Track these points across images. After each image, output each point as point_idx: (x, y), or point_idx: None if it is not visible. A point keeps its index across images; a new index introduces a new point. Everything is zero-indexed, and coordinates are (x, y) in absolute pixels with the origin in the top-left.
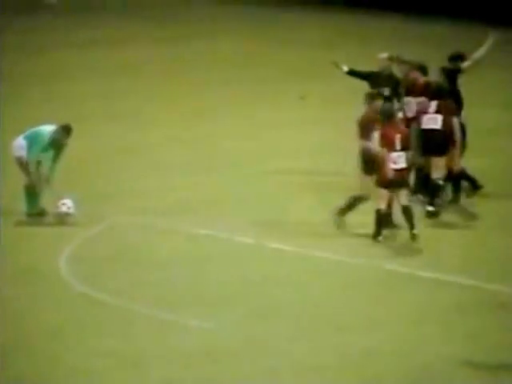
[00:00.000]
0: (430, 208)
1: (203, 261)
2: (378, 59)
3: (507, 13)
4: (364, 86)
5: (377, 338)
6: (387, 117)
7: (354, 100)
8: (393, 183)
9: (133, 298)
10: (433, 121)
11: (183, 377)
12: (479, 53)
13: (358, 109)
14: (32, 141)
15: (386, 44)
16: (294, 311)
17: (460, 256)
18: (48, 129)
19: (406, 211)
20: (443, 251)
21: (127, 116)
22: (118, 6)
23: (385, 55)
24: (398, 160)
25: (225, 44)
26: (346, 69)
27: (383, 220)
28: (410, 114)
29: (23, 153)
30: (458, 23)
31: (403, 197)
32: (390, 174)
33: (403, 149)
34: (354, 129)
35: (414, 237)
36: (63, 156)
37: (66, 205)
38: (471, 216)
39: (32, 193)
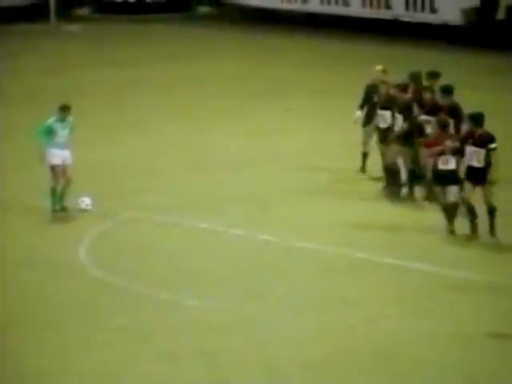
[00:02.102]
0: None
1: (202, 250)
2: (372, 71)
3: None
4: (338, 101)
5: (350, 316)
6: (442, 126)
7: (331, 112)
8: (443, 181)
9: (141, 281)
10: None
11: (184, 349)
12: None
13: (335, 119)
14: (47, 136)
15: (362, 64)
16: (279, 293)
17: (420, 245)
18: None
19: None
20: (406, 241)
21: (133, 125)
22: (126, 33)
23: (379, 67)
24: (447, 162)
25: (219, 64)
26: (359, 113)
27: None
28: (383, 125)
29: (50, 159)
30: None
31: (451, 194)
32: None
33: (453, 153)
34: (333, 135)
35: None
36: (82, 158)
37: (85, 202)
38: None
39: (56, 193)
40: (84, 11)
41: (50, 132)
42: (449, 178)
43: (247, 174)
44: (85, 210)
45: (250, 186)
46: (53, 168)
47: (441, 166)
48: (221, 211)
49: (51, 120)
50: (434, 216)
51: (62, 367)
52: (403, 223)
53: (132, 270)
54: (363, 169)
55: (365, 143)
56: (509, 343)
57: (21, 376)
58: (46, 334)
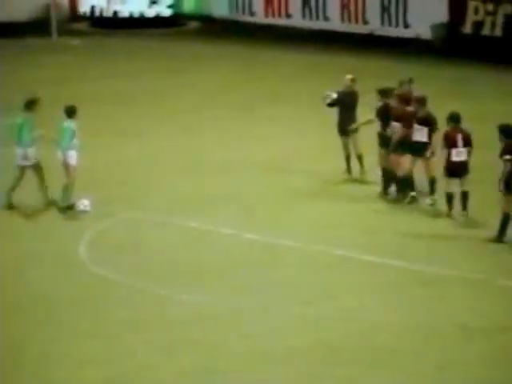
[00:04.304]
0: (413, 193)
1: (194, 248)
2: (344, 79)
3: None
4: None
5: (330, 308)
6: (454, 121)
7: (313, 119)
8: (456, 172)
9: (137, 277)
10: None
11: (178, 340)
12: None
13: (317, 126)
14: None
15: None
16: (265, 287)
17: (396, 243)
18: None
19: (464, 196)
20: (383, 239)
21: (129, 133)
22: (122, 47)
23: (349, 76)
24: (459, 154)
25: (210, 76)
26: (333, 97)
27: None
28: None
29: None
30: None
31: (464, 183)
32: (453, 165)
33: (464, 146)
34: (316, 141)
35: (464, 214)
36: (83, 163)
37: (84, 203)
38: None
39: (67, 190)
40: (83, 26)
41: (16, 130)
42: (461, 169)
43: (235, 177)
44: (84, 211)
45: (239, 188)
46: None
47: (454, 158)
48: (211, 212)
49: (18, 118)
50: (410, 217)
51: (63, 356)
52: (381, 223)
53: (129, 267)
54: (348, 170)
55: (345, 147)
56: (478, 334)
57: (21, 364)
58: (47, 327)
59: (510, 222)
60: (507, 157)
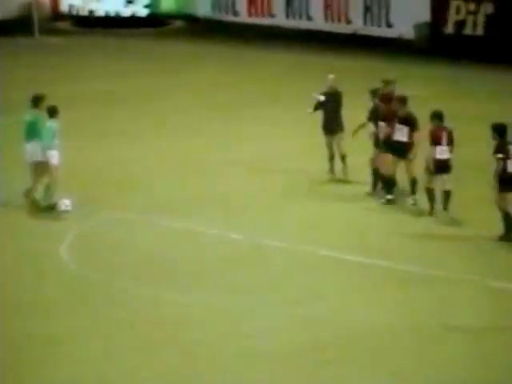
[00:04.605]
0: (389, 196)
1: (178, 248)
2: (327, 79)
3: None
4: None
5: (318, 308)
6: (438, 118)
7: (300, 119)
8: (438, 170)
9: (121, 277)
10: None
11: (162, 341)
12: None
13: (304, 126)
14: (41, 138)
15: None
16: (252, 287)
17: (381, 243)
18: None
19: (447, 194)
20: (368, 239)
21: (116, 133)
22: (108, 48)
23: (332, 76)
24: (443, 152)
25: (196, 77)
26: (320, 99)
27: (434, 198)
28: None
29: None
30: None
31: (446, 181)
32: (437, 163)
33: (448, 144)
34: (302, 141)
35: (445, 213)
36: (67, 163)
37: (65, 203)
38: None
39: (49, 189)
40: (65, 25)
41: (27, 127)
42: (444, 167)
43: (223, 177)
44: (65, 211)
45: (226, 188)
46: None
47: (438, 156)
48: (198, 212)
49: (27, 115)
50: (394, 217)
51: (46, 357)
52: (367, 223)
53: (113, 267)
54: (331, 170)
55: (330, 147)
56: (466, 335)
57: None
58: (31, 326)
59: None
60: (499, 155)
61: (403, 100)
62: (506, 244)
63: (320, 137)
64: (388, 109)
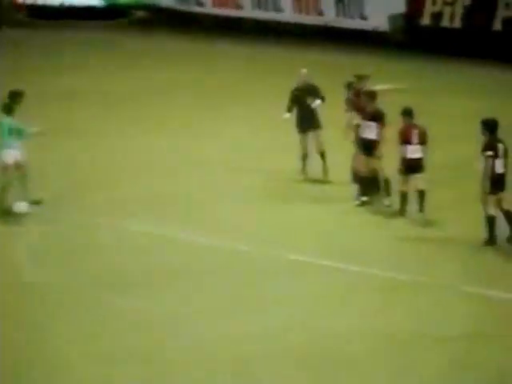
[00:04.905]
0: (364, 198)
1: (138, 252)
2: (299, 74)
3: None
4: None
5: (283, 315)
6: (408, 115)
7: (271, 116)
8: (410, 170)
9: (81, 282)
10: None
11: (119, 349)
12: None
13: (275, 123)
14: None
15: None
16: (212, 294)
17: (352, 247)
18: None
19: (421, 195)
20: (338, 243)
21: (78, 132)
22: (60, 39)
23: (305, 70)
24: (414, 151)
25: (161, 72)
26: (287, 115)
27: (406, 201)
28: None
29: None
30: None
31: (419, 181)
32: (408, 163)
33: (420, 142)
34: (275, 138)
35: (420, 215)
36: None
37: (21, 205)
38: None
39: (4, 191)
40: (20, 16)
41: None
42: (416, 167)
43: (187, 177)
44: (22, 214)
45: (190, 188)
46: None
47: (409, 156)
48: (161, 213)
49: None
50: (368, 220)
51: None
52: (336, 226)
53: (73, 270)
54: (303, 170)
55: (303, 145)
56: (432, 341)
57: None
58: None
59: (494, 224)
60: (489, 153)
61: (372, 95)
62: (482, 248)
63: (293, 134)
64: (360, 104)
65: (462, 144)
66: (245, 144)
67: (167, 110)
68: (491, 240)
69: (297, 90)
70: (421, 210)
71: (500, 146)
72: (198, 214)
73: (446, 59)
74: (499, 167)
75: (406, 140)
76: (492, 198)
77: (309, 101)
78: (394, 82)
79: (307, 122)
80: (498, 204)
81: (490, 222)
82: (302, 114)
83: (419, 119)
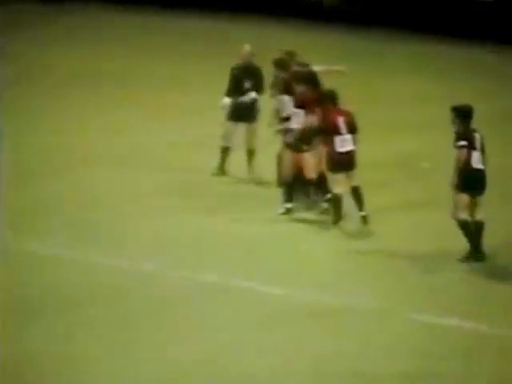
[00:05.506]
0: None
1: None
2: (241, 52)
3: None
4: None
5: (198, 347)
6: (331, 100)
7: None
8: (342, 165)
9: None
10: None
11: None
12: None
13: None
14: None
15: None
16: (115, 323)
17: (278, 264)
18: None
19: (356, 192)
20: (262, 261)
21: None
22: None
23: (248, 47)
24: (343, 143)
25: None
26: (227, 100)
27: (340, 205)
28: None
29: None
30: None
31: (353, 178)
32: (337, 158)
33: (349, 132)
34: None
35: (364, 219)
36: None
37: None
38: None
39: None
40: None
41: None
42: (348, 161)
43: (89, 177)
44: None
45: (88, 190)
46: None
47: (339, 149)
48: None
49: None
50: (294, 230)
51: None
52: (259, 239)
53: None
54: (222, 168)
55: (228, 136)
56: (364, 377)
57: None
58: None
59: (481, 232)
60: (462, 143)
61: (301, 77)
62: (431, 266)
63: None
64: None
65: (410, 136)
66: (157, 137)
67: (75, 101)
68: (476, 251)
69: (237, 68)
70: (361, 209)
71: (476, 137)
72: (77, 226)
73: (389, 33)
74: (476, 161)
75: (332, 130)
76: (465, 200)
77: (246, 85)
78: (328, 60)
79: (244, 110)
80: (472, 210)
81: (464, 228)
82: (240, 99)
83: (360, 106)
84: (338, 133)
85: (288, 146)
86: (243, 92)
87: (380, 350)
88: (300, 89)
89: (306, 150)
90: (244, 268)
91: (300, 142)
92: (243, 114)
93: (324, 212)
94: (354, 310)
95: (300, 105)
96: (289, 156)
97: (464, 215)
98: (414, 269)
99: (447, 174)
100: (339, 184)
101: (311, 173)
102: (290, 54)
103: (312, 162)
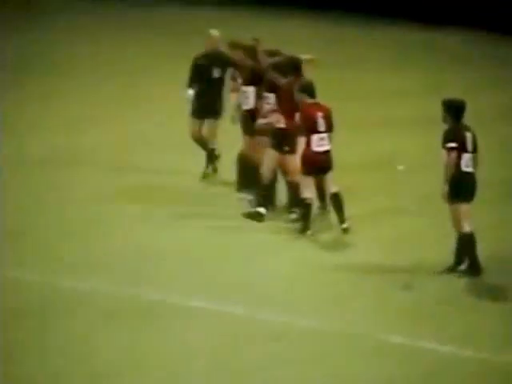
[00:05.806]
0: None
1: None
2: (207, 39)
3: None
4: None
5: (153, 372)
6: (308, 93)
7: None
8: (318, 168)
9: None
10: None
11: None
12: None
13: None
14: None
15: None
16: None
17: (238, 282)
18: None
19: (336, 199)
20: (221, 275)
21: None
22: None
23: (215, 32)
24: (321, 142)
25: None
26: (191, 92)
27: (311, 211)
28: (247, 107)
29: None
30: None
31: (331, 182)
32: (312, 158)
33: (327, 130)
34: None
35: (345, 230)
36: None
37: None
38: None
39: None
40: None
41: None
42: (326, 163)
43: (39, 178)
44: None
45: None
46: None
47: (316, 148)
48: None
49: None
50: (260, 240)
51: None
52: (217, 252)
53: None
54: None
55: (197, 133)
56: None
57: None
58: None
59: (473, 244)
60: (452, 144)
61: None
62: (410, 281)
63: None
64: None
65: (392, 134)
66: (111, 133)
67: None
68: (474, 265)
69: (201, 58)
70: (342, 220)
71: (468, 136)
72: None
73: (368, 19)
74: (466, 164)
75: (310, 127)
76: (465, 209)
77: (213, 75)
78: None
79: (211, 104)
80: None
81: (470, 242)
82: (207, 92)
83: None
84: (316, 130)
85: (272, 146)
86: (212, 81)
87: (348, 376)
88: (276, 78)
89: (288, 152)
90: (199, 285)
91: (281, 142)
92: (207, 109)
93: (295, 220)
94: (321, 332)
95: (272, 90)
96: (271, 156)
97: (469, 227)
98: (391, 285)
99: (426, 177)
100: (311, 188)
101: (294, 176)
102: (256, 41)
103: (295, 164)
